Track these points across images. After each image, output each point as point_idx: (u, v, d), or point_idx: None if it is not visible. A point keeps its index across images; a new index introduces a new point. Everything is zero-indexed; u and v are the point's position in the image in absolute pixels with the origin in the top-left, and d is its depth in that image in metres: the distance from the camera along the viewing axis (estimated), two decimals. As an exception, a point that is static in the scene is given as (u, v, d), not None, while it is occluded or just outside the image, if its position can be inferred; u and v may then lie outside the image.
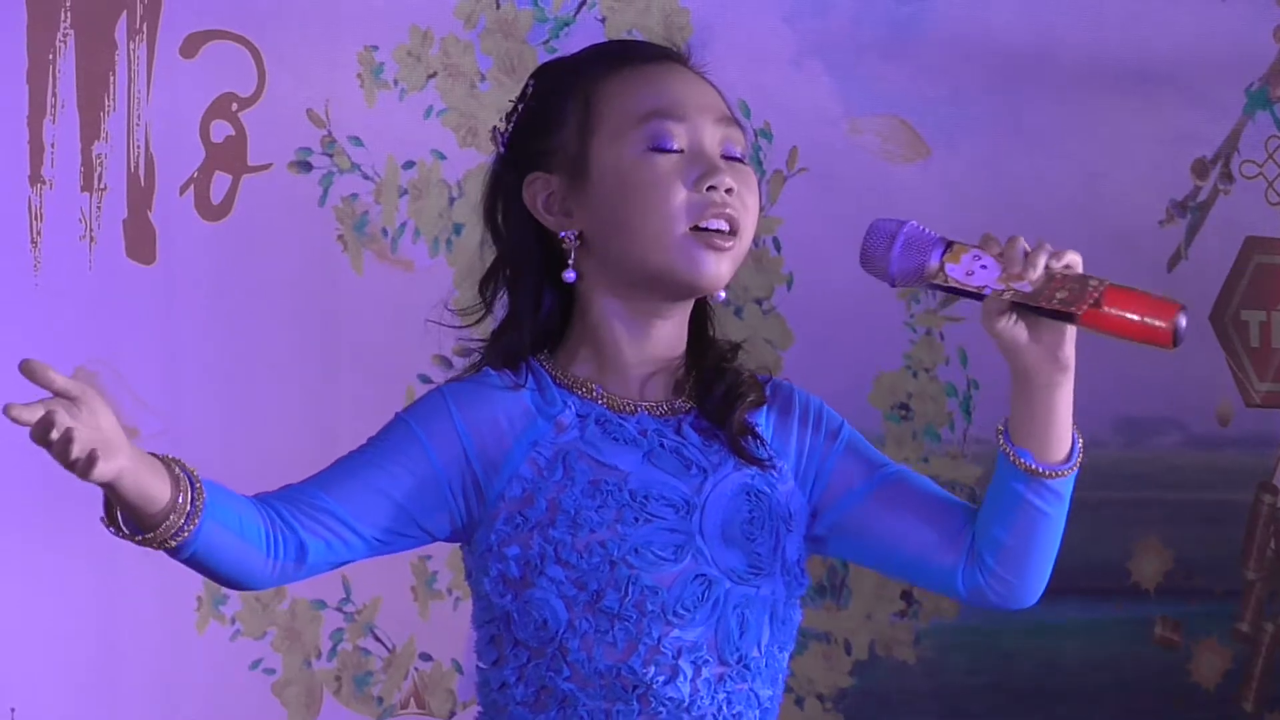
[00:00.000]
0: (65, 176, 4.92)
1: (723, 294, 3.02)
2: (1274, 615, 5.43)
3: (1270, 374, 5.12)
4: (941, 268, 2.89)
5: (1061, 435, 2.94)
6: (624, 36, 5.22)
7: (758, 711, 2.95)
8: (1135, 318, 2.81)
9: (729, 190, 2.93)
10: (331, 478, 2.93)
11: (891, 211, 4.94)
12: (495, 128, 3.06)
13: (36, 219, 4.91)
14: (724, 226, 2.94)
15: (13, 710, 4.99)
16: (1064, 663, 5.19)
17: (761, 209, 5.08)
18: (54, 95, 4.99)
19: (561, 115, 3.02)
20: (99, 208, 4.94)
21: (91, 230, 4.92)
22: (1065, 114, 5.21)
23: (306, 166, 5.04)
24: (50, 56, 4.95)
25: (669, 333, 3.00)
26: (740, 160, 3.00)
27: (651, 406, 3.03)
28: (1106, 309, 2.82)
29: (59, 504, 5.23)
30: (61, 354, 4.85)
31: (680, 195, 2.93)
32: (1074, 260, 2.88)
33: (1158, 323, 2.81)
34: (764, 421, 3.00)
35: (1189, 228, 5.10)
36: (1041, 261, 2.86)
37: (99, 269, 4.96)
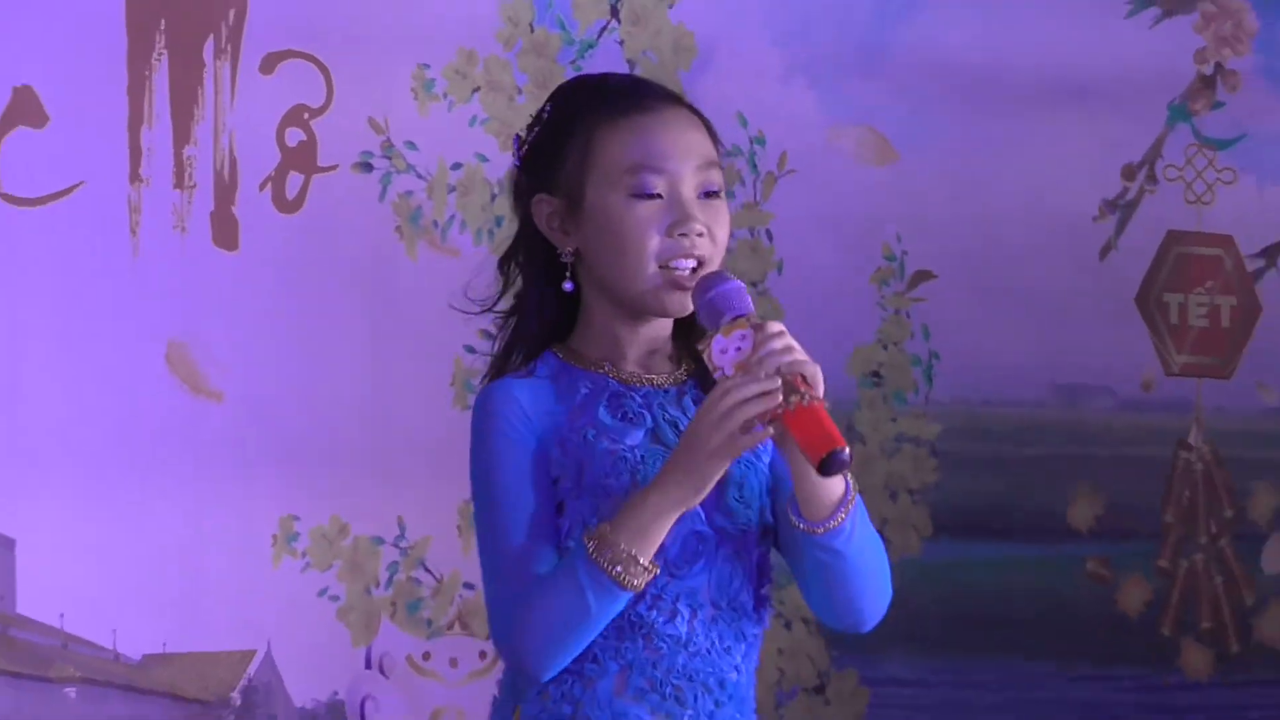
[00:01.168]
0: (160, 176, 5.21)
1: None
2: (1189, 554, 5.63)
3: (1187, 347, 5.40)
4: (713, 335, 3.12)
5: (823, 499, 3.12)
6: (640, 58, 5.54)
7: (744, 645, 3.16)
8: (803, 440, 3.03)
9: (699, 234, 3.15)
10: (535, 532, 3.22)
11: (866, 207, 5.31)
12: (517, 136, 3.25)
13: (135, 212, 5.23)
14: (691, 265, 3.15)
15: (114, 631, 5.25)
16: (1011, 594, 5.42)
17: (755, 204, 5.51)
18: (150, 106, 5.30)
19: (566, 150, 3.23)
20: (189, 203, 5.24)
21: (183, 222, 5.21)
22: (1012, 125, 5.44)
23: (368, 167, 5.33)
24: (147, 73, 5.26)
25: (659, 325, 3.21)
26: (716, 194, 3.21)
27: (655, 379, 3.23)
28: (790, 427, 3.03)
29: (162, 463, 5.33)
30: (156, 328, 5.27)
31: (654, 241, 3.15)
32: (809, 372, 3.06)
33: (814, 451, 3.01)
34: None
35: (1118, 223, 5.35)
36: (771, 367, 3.04)
37: (189, 255, 5.25)
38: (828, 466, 2.94)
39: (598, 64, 5.47)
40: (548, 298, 3.25)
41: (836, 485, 3.05)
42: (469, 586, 5.34)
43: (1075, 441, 5.52)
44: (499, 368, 3.28)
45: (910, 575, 5.16)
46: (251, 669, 5.40)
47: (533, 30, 5.48)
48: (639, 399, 3.21)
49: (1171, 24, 5.86)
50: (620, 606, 3.13)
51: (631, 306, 3.19)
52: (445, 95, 5.44)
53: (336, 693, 5.43)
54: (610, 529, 3.10)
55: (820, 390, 3.01)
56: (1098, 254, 5.35)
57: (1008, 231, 5.33)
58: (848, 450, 2.96)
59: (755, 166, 5.58)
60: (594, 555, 3.09)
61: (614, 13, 5.62)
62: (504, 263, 3.27)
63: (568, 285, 3.18)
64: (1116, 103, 5.49)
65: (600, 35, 5.53)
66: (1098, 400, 5.53)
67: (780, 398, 2.99)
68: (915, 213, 5.40)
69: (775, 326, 3.05)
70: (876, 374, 5.36)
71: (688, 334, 3.21)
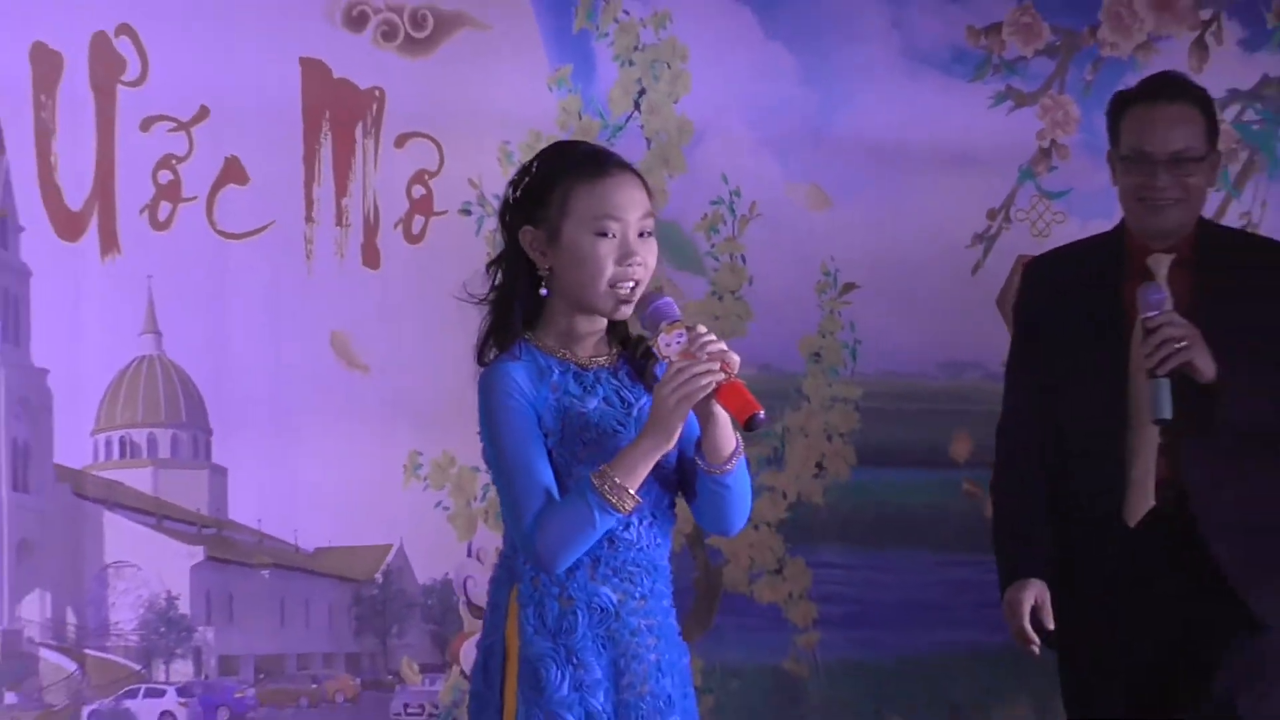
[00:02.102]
0: (326, 218, 6.34)
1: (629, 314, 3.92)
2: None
3: (1032, 337, 6.40)
4: (658, 333, 3.82)
5: (721, 451, 3.81)
6: (654, 136, 6.54)
7: (667, 540, 3.93)
8: (732, 406, 3.75)
9: (640, 264, 3.85)
10: (542, 473, 3.84)
11: (811, 239, 6.14)
12: (512, 181, 3.95)
13: (309, 243, 6.35)
14: (631, 285, 3.85)
15: (295, 531, 6.42)
16: (911, 506, 6.31)
17: (734, 238, 6.20)
18: (319, 169, 6.34)
19: (549, 198, 3.87)
20: (346, 237, 6.35)
21: (341, 250, 6.35)
22: (913, 180, 6.34)
23: (468, 213, 6.42)
24: (317, 147, 6.31)
25: (601, 323, 3.90)
26: (650, 234, 3.89)
27: (600, 361, 3.95)
28: (718, 399, 3.75)
29: (327, 415, 6.43)
30: (324, 325, 6.38)
31: (609, 268, 3.84)
32: (730, 359, 3.78)
33: (741, 414, 3.74)
34: (659, 371, 3.90)
35: (984, 249, 6.28)
36: (705, 355, 3.76)
37: (345, 272, 6.35)
38: (751, 424, 3.71)
39: (625, 142, 6.39)
40: (524, 300, 3.92)
41: (730, 441, 3.78)
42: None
43: (955, 400, 6.33)
44: (484, 349, 3.97)
45: (842, 493, 6.34)
46: (389, 558, 6.47)
47: (580, 118, 6.48)
48: (592, 376, 3.93)
49: (1022, 112, 6.61)
50: (614, 524, 3.78)
51: (588, 310, 3.89)
52: (519, 162, 6.32)
53: (447, 574, 6.51)
54: (610, 469, 3.74)
55: (736, 370, 3.77)
56: (970, 270, 6.30)
57: (909, 254, 6.29)
58: (763, 412, 3.72)
59: (733, 211, 6.62)
60: (600, 487, 3.73)
61: (636, 106, 6.49)
62: (490, 267, 3.97)
63: (544, 292, 3.87)
64: (984, 166, 6.35)
65: (627, 121, 6.55)
66: (970, 371, 6.36)
67: (720, 374, 3.71)
68: (845, 242, 6.33)
69: (702, 328, 3.80)
70: (818, 354, 6.32)
71: (614, 329, 3.95)
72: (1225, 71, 6.84)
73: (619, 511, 3.71)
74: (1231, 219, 6.77)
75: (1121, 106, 5.39)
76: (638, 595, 3.89)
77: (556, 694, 3.87)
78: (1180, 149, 5.21)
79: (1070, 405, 5.35)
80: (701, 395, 3.68)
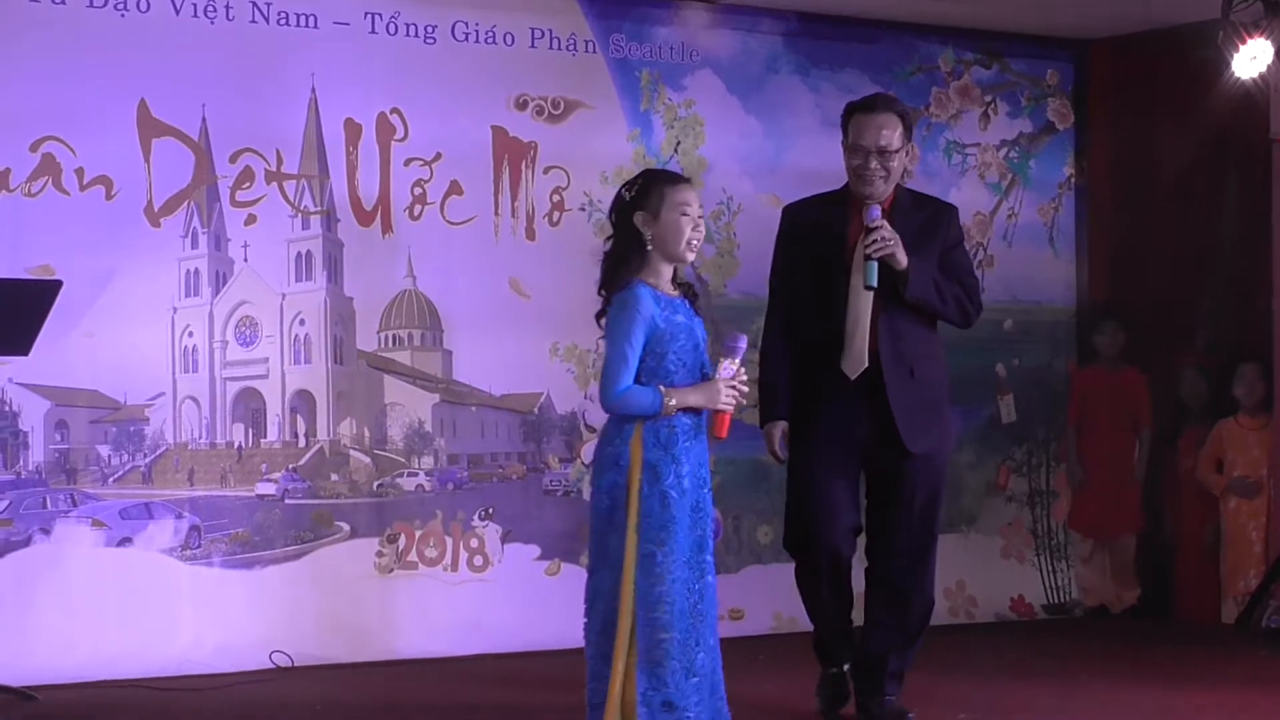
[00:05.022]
0: (505, 213, 7.67)
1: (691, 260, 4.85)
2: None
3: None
4: (723, 360, 4.84)
5: (713, 425, 4.65)
6: (687, 169, 7.92)
7: (704, 423, 4.79)
8: (719, 420, 4.79)
9: (700, 233, 4.81)
10: (634, 364, 4.64)
11: (770, 223, 6.26)
12: (624, 187, 5.01)
13: (496, 228, 7.62)
14: (696, 243, 4.85)
15: (490, 384, 7.62)
16: None
17: (729, 223, 7.91)
18: (502, 186, 7.63)
19: (652, 195, 4.91)
20: (516, 224, 7.78)
21: (515, 231, 7.78)
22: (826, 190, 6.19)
23: (584, 210, 7.93)
24: (500, 174, 7.59)
25: (671, 269, 4.80)
26: (702, 218, 4.80)
27: (674, 295, 4.85)
28: (720, 415, 4.79)
29: (505, 328, 7.56)
30: (505, 272, 7.67)
31: (686, 233, 4.84)
32: (744, 394, 4.77)
33: (718, 428, 4.80)
34: (723, 374, 4.83)
35: None
36: (740, 383, 4.76)
37: (517, 244, 7.77)
38: (713, 436, 4.95)
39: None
40: (636, 255, 4.87)
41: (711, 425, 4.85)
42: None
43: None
44: (612, 282, 4.84)
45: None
46: (542, 399, 7.98)
47: (644, 158, 8.04)
48: (668, 300, 4.86)
49: None
50: (658, 414, 4.76)
51: (672, 260, 4.85)
52: (614, 183, 7.35)
53: (573, 408, 7.97)
54: (670, 393, 4.77)
55: (743, 403, 4.78)
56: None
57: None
58: (722, 438, 4.88)
59: (729, 209, 8.15)
60: (665, 398, 4.80)
61: (675, 150, 8.09)
62: (609, 240, 4.94)
63: (648, 249, 4.83)
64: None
65: (669, 160, 8.08)
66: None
67: (735, 404, 4.82)
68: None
69: (743, 374, 4.86)
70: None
71: (675, 275, 4.85)
72: (999, 130, 8.74)
73: (664, 413, 4.85)
74: (1003, 212, 8.53)
75: (850, 113, 5.97)
76: (699, 424, 5.00)
77: (665, 481, 4.90)
78: (884, 145, 5.86)
79: (811, 297, 5.91)
80: (724, 408, 4.94)
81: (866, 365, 5.73)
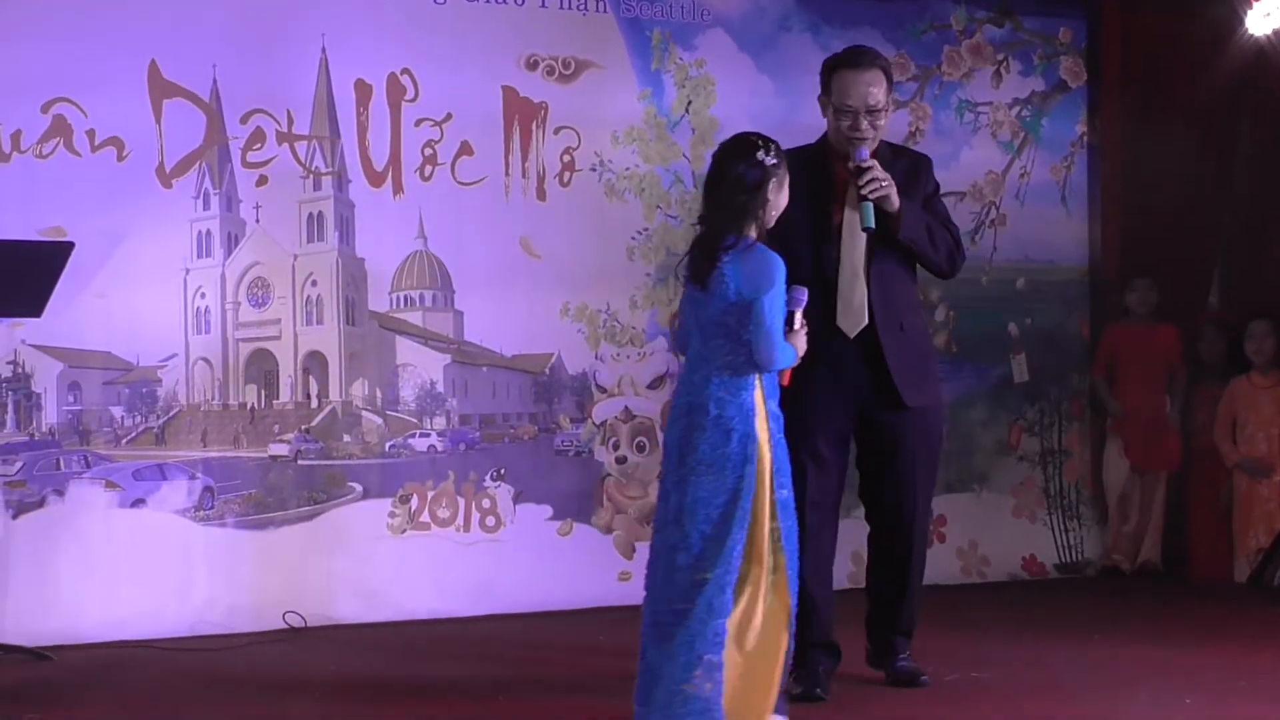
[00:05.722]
0: (515, 173, 7.71)
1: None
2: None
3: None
4: (795, 313, 4.98)
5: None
6: (699, 127, 7.90)
7: None
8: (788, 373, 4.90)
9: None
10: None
11: None
12: (763, 157, 4.98)
13: (506, 188, 7.62)
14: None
15: (500, 345, 7.63)
16: None
17: None
18: (512, 146, 7.67)
19: (785, 170, 5.03)
20: (527, 184, 7.78)
21: (525, 191, 7.79)
22: None
23: (593, 171, 7.97)
24: (510, 135, 7.65)
25: None
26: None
27: None
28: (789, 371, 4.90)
29: (524, 280, 7.57)
30: (516, 232, 7.70)
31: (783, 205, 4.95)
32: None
33: (785, 377, 4.89)
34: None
35: None
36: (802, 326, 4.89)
37: (527, 204, 7.80)
38: (781, 378, 5.03)
39: (681, 131, 8.02)
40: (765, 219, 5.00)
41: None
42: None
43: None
44: (747, 234, 4.88)
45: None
46: (553, 360, 7.99)
47: (655, 118, 8.16)
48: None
49: (900, 113, 7.89)
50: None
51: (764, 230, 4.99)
52: (625, 143, 8.14)
53: (583, 369, 7.96)
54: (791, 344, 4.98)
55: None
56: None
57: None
58: (788, 384, 4.95)
59: None
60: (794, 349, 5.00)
61: (687, 110, 8.15)
62: (744, 200, 4.96)
63: (765, 218, 4.97)
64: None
65: (681, 119, 8.16)
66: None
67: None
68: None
69: (800, 324, 5.01)
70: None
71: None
72: (1011, 88, 8.72)
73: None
74: (1015, 171, 8.57)
75: (832, 69, 5.81)
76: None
77: (779, 420, 5.17)
78: (873, 104, 5.74)
79: (797, 252, 5.49)
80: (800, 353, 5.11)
81: (866, 322, 5.70)
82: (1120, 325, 9.01)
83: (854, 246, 5.67)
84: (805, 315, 5.17)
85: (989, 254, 8.68)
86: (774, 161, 5.01)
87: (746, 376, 4.98)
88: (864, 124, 5.67)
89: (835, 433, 5.77)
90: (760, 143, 5.02)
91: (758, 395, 4.97)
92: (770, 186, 4.99)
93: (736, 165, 4.99)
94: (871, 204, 5.60)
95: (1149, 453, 8.96)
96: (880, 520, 5.97)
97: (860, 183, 5.57)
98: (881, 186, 5.59)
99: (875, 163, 5.61)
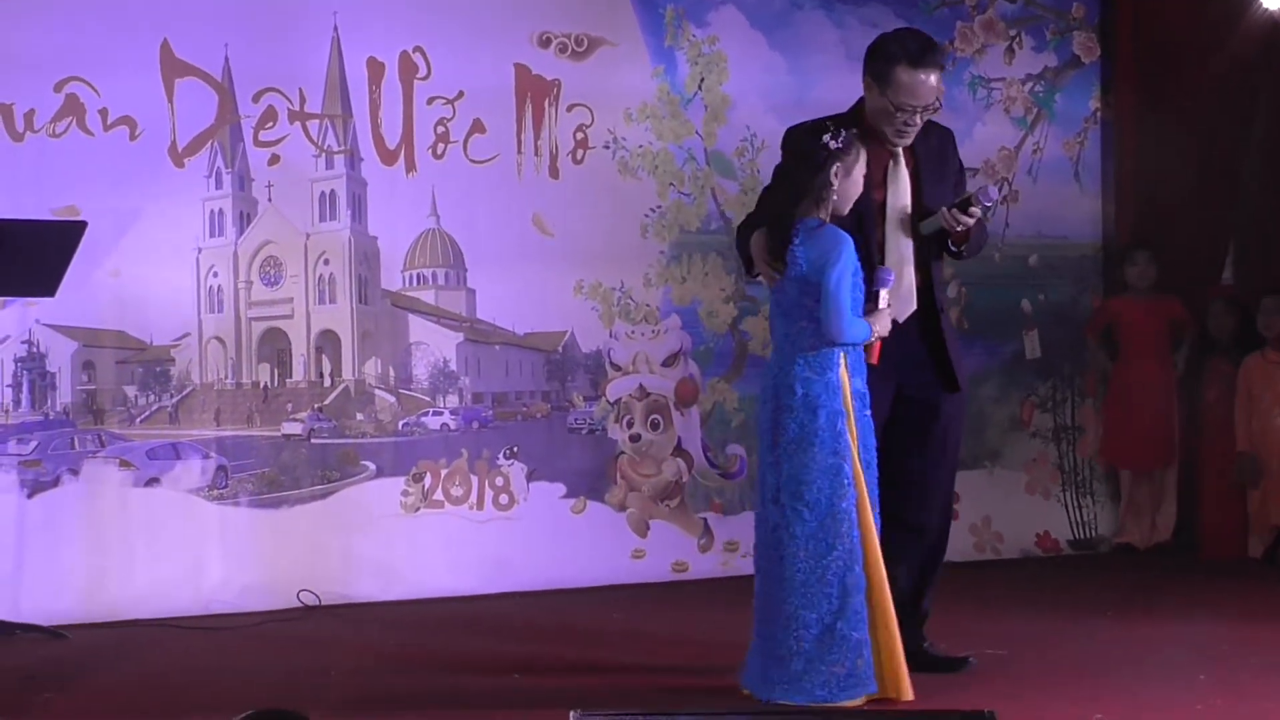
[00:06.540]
0: (528, 151, 7.70)
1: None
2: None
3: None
4: (877, 287, 5.16)
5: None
6: (712, 105, 7.82)
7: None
8: (876, 351, 5.11)
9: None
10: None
11: None
12: (827, 144, 5.13)
13: (519, 166, 7.60)
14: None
15: (514, 323, 7.66)
16: None
17: (753, 159, 7.85)
18: (524, 124, 7.67)
19: (855, 152, 5.16)
20: (540, 162, 7.75)
21: (538, 169, 7.76)
22: None
23: (608, 148, 7.98)
24: (523, 112, 7.66)
25: None
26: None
27: None
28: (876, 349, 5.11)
29: (533, 259, 7.57)
30: (528, 210, 7.69)
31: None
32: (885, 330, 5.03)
33: (870, 350, 5.09)
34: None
35: None
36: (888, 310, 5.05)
37: (540, 182, 7.77)
38: (869, 353, 5.22)
39: (694, 108, 7.96)
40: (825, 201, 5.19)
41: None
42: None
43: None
44: (813, 215, 5.07)
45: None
46: (566, 338, 7.98)
47: (669, 95, 8.13)
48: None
49: None
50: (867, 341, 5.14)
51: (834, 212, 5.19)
52: (638, 121, 8.13)
53: (597, 347, 7.93)
54: (871, 321, 5.16)
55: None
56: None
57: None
58: (876, 362, 5.15)
59: (752, 145, 8.13)
60: (871, 325, 5.16)
61: (699, 87, 8.10)
62: (813, 181, 5.14)
63: (834, 197, 5.15)
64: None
65: (694, 97, 8.13)
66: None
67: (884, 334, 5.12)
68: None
69: (885, 303, 5.18)
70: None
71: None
72: (1024, 64, 8.73)
73: (870, 340, 5.27)
74: (1028, 147, 8.57)
75: (894, 63, 5.62)
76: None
77: (864, 399, 5.36)
78: (930, 103, 5.72)
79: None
80: (882, 335, 5.27)
81: (915, 308, 5.70)
82: (1119, 298, 8.97)
83: (898, 230, 5.66)
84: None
85: (1001, 230, 8.65)
86: (839, 146, 5.12)
87: (831, 355, 5.14)
88: (918, 119, 5.65)
89: (875, 415, 5.71)
90: (829, 127, 5.15)
91: (843, 373, 5.13)
92: (835, 170, 5.12)
93: (801, 148, 5.19)
94: (940, 220, 5.66)
95: (1143, 452, 8.99)
96: (912, 504, 5.86)
97: (959, 217, 5.60)
98: (968, 228, 5.65)
99: (980, 221, 5.70)
